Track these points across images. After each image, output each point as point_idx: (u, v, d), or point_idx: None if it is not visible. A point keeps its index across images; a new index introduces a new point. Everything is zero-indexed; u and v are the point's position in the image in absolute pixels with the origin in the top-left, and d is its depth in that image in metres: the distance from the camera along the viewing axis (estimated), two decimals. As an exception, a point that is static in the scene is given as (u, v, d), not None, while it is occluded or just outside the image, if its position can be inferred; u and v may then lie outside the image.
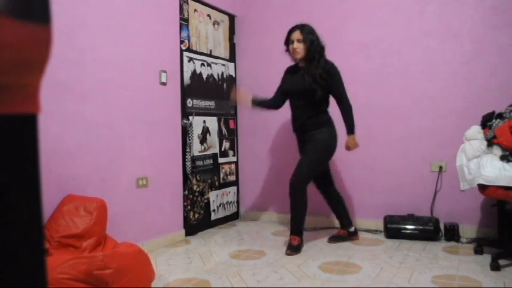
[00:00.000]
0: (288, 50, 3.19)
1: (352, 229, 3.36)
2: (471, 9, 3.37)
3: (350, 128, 3.13)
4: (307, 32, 3.08)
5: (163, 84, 3.27)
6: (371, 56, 3.72)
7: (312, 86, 3.03)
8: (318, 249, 3.11)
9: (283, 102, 3.34)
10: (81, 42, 2.62)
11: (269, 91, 4.11)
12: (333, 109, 3.21)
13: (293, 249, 3.01)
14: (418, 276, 2.52)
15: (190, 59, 3.61)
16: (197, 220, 3.56)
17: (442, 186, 3.48)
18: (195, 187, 3.53)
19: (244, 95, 3.36)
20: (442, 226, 3.34)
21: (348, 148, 3.17)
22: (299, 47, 3.08)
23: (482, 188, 2.67)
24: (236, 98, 3.39)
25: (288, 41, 3.16)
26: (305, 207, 3.08)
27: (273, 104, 3.35)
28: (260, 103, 3.34)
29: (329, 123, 3.16)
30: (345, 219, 3.37)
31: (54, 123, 2.45)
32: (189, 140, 3.52)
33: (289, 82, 3.25)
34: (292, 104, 3.24)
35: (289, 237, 3.11)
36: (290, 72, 3.30)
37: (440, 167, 3.47)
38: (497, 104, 3.11)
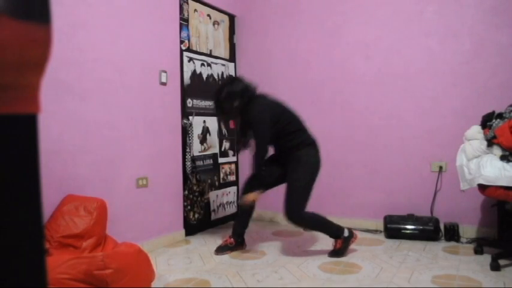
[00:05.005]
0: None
1: (241, 240, 3.15)
2: (471, 9, 3.37)
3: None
4: (222, 100, 2.95)
5: (163, 84, 3.27)
6: (371, 56, 3.72)
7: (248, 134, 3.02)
8: (318, 249, 3.11)
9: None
10: (81, 42, 2.62)
11: (268, 91, 4.11)
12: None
13: (337, 253, 2.93)
14: (418, 276, 2.52)
15: (190, 59, 3.61)
16: (197, 220, 3.56)
17: (442, 186, 3.48)
18: (195, 187, 3.53)
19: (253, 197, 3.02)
20: (442, 226, 3.34)
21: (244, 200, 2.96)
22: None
23: (482, 188, 2.67)
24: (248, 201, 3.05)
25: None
26: (319, 220, 2.95)
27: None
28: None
29: (305, 146, 2.93)
30: (244, 228, 3.16)
31: (54, 123, 2.45)
32: (189, 140, 3.52)
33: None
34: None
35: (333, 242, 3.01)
36: None
37: (440, 167, 3.47)
38: (497, 104, 3.11)
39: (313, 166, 2.94)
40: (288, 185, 2.93)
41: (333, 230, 2.97)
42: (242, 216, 3.16)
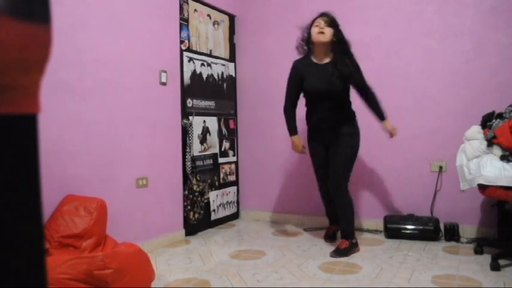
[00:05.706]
0: (303, 39, 3.06)
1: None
2: (471, 9, 3.37)
3: (383, 114, 3.08)
4: (334, 19, 2.99)
5: (163, 84, 3.28)
6: (371, 56, 3.71)
7: (342, 86, 2.94)
8: (318, 249, 3.12)
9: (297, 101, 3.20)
10: (81, 42, 2.62)
11: (269, 91, 4.11)
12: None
13: (339, 253, 2.93)
14: (418, 276, 2.52)
15: (190, 59, 3.61)
16: (197, 220, 3.56)
17: (442, 186, 3.48)
18: (195, 187, 3.53)
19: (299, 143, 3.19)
20: (442, 226, 3.34)
21: (392, 134, 3.08)
22: (326, 30, 2.92)
23: (482, 188, 2.67)
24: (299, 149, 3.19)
25: (310, 26, 3.01)
26: (352, 208, 3.03)
27: (294, 112, 3.19)
28: (295, 126, 3.21)
29: (355, 116, 3.12)
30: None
31: (54, 123, 2.45)
32: (189, 140, 3.52)
33: (315, 81, 2.99)
34: (315, 101, 3.05)
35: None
36: (305, 66, 3.06)
37: (440, 167, 3.47)
38: (497, 104, 3.11)
39: (358, 140, 3.08)
40: (335, 158, 3.03)
41: (351, 228, 3.03)
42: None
